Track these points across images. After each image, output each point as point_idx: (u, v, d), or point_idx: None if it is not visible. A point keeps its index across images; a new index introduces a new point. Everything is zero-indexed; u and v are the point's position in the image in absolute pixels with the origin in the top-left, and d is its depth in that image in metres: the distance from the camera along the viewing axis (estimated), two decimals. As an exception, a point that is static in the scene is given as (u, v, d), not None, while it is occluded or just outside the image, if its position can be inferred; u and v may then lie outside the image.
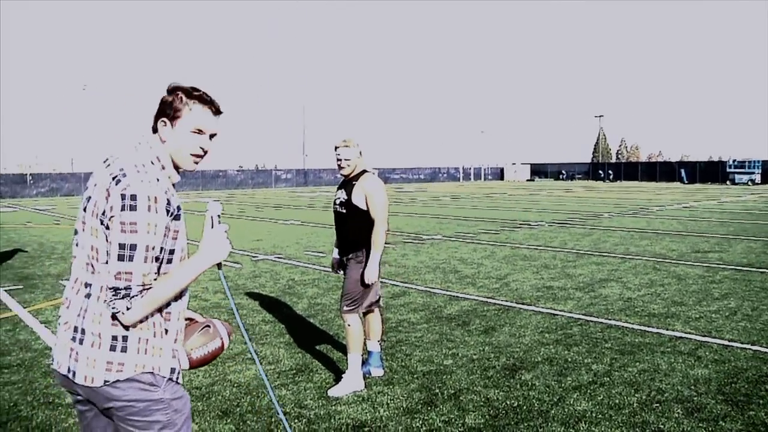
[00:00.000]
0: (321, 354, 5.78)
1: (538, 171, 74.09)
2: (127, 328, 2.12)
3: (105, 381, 2.10)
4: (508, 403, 4.53)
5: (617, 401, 4.53)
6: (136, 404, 2.13)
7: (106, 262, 2.10)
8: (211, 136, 2.31)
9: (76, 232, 2.25)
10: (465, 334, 6.34)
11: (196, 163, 2.29)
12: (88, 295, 2.16)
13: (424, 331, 6.49)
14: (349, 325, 4.90)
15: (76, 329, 2.16)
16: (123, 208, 2.04)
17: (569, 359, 5.47)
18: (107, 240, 2.10)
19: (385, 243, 5.01)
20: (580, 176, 70.46)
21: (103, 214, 2.10)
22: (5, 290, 9.21)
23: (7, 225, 20.36)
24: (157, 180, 2.14)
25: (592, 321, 6.76)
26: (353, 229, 4.95)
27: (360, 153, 4.94)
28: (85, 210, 2.18)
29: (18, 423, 4.38)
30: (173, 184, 2.27)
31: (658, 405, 4.45)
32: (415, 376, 5.13)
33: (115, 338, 2.12)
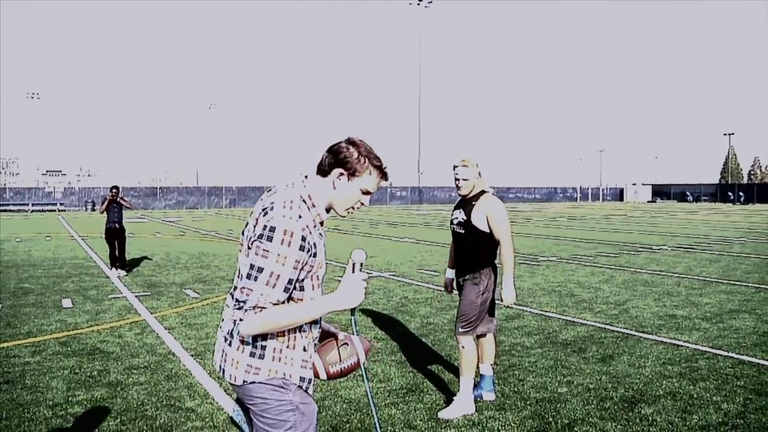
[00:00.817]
0: (432, 374, 5.72)
1: (660, 192, 70.56)
2: (264, 338, 2.35)
3: (244, 381, 2.37)
4: (627, 438, 4.28)
5: (752, 445, 4.16)
6: (268, 402, 2.37)
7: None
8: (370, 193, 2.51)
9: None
10: (581, 361, 6.07)
11: (350, 213, 2.51)
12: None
13: (538, 356, 6.28)
14: (463, 347, 4.82)
15: (228, 333, 2.43)
16: (262, 237, 2.25)
17: (695, 395, 5.09)
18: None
19: (499, 263, 4.90)
20: (706, 198, 66.44)
21: (250, 239, 2.34)
22: (135, 295, 9.83)
23: (140, 234, 21.81)
24: (300, 217, 2.29)
25: (721, 355, 6.28)
26: (471, 249, 4.86)
27: (479, 173, 4.88)
28: (243, 234, 2.46)
29: (144, 422, 4.62)
30: (321, 222, 2.44)
31: (799, 453, 4.04)
32: (527, 402, 4.96)
33: (255, 346, 2.36)
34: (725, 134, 79.18)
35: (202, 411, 4.84)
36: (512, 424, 4.52)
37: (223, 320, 2.50)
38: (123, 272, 12.13)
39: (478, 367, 5.05)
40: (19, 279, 11.64)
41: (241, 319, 2.22)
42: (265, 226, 2.24)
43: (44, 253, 16.16)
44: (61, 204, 47.74)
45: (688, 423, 4.52)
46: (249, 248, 2.32)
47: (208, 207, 53.24)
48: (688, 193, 67.64)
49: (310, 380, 2.47)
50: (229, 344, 2.40)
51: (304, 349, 2.44)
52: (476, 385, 5.05)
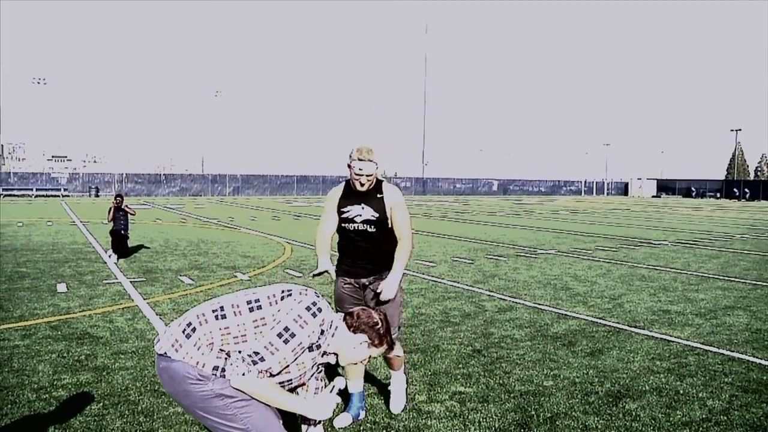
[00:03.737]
0: (418, 365, 5.70)
1: (665, 187, 70.28)
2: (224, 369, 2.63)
3: (165, 352, 2.67)
4: (608, 432, 4.26)
5: (734, 442, 4.13)
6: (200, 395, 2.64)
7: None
8: None
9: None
10: (570, 354, 6.05)
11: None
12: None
13: (527, 348, 6.25)
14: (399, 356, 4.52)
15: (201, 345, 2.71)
16: (309, 310, 2.73)
17: (681, 391, 5.06)
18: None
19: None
20: (711, 194, 66.14)
21: (286, 304, 2.76)
22: (130, 281, 9.84)
23: (140, 221, 21.84)
24: (323, 332, 2.75)
25: (711, 351, 6.24)
26: (384, 248, 4.37)
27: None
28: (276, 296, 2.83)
29: (126, 406, 4.62)
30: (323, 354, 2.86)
31: (781, 450, 4.01)
32: (512, 395, 4.94)
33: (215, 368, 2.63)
34: (732, 130, 78.80)
35: (185, 397, 4.83)
36: (494, 417, 4.50)
37: (203, 322, 2.72)
38: (116, 256, 12.17)
39: (353, 382, 4.48)
40: (16, 263, 11.66)
41: (244, 374, 2.51)
42: (315, 304, 2.71)
43: (44, 238, 16.20)
44: (65, 189, 47.87)
45: (671, 419, 4.49)
46: (273, 317, 2.65)
47: (211, 194, 53.26)
48: (693, 189, 67.38)
49: (223, 369, 2.65)
50: (188, 337, 2.66)
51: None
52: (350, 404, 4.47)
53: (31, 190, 46.34)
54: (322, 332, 2.69)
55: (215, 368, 2.61)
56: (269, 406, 2.71)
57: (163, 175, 52.80)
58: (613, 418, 4.48)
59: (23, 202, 37.84)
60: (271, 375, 2.58)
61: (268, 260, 12.54)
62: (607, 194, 71.48)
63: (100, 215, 23.69)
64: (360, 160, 4.22)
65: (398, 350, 4.49)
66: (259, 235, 18.12)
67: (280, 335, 2.54)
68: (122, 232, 12.65)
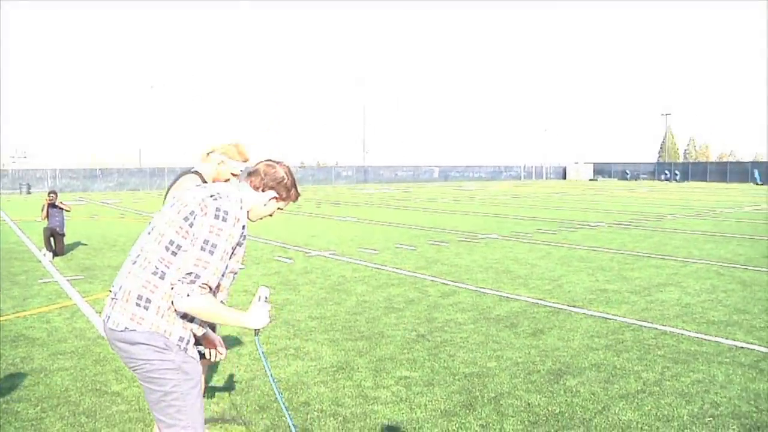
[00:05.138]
0: (363, 352, 5.75)
1: (602, 170, 72.32)
2: (151, 296, 2.59)
3: (126, 327, 2.57)
4: (549, 409, 4.39)
5: (666, 412, 4.33)
6: (151, 362, 2.58)
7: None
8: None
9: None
10: (512, 336, 6.20)
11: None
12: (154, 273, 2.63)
13: (470, 331, 6.38)
14: None
15: (133, 295, 2.63)
16: (217, 217, 2.60)
17: (618, 366, 5.27)
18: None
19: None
20: (645, 176, 68.41)
21: (187, 214, 2.66)
22: (67, 279, 9.55)
23: (76, 217, 21.15)
24: (241, 209, 2.72)
25: (645, 326, 6.50)
26: None
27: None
28: (170, 207, 2.75)
29: (67, 407, 4.51)
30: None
31: (711, 419, 4.22)
32: (456, 377, 5.04)
33: (141, 299, 2.59)
34: (663, 114, 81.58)
35: (128, 394, 4.76)
36: (439, 399, 4.58)
37: (121, 278, 2.67)
38: (50, 254, 11.79)
39: None
40: (-57, 265, 11.16)
41: (188, 294, 2.46)
42: (218, 209, 2.59)
43: (-28, 238, 15.52)
44: (-7, 187, 45.89)
45: (609, 392, 4.67)
46: (186, 221, 2.58)
47: (150, 188, 52.03)
48: (627, 171, 69.51)
49: (188, 341, 2.66)
50: (126, 300, 2.60)
51: (184, 316, 2.64)
52: None
53: (-43, 188, 44.27)
54: (243, 227, 2.68)
55: (180, 338, 2.62)
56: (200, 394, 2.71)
57: (99, 170, 51.22)
58: (555, 395, 4.63)
59: (-51, 202, 36.14)
60: (210, 289, 2.56)
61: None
62: (547, 179, 73.07)
63: (33, 213, 22.83)
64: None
65: None
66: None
67: (203, 249, 2.53)
68: (57, 229, 12.24)
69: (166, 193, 4.16)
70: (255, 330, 2.74)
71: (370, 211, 23.89)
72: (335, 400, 4.59)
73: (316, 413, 4.37)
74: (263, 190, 2.83)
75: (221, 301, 2.74)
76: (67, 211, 12.88)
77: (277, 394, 2.84)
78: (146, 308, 2.57)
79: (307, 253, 12.15)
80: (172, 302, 2.55)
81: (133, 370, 2.65)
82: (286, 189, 2.89)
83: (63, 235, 12.40)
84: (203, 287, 2.50)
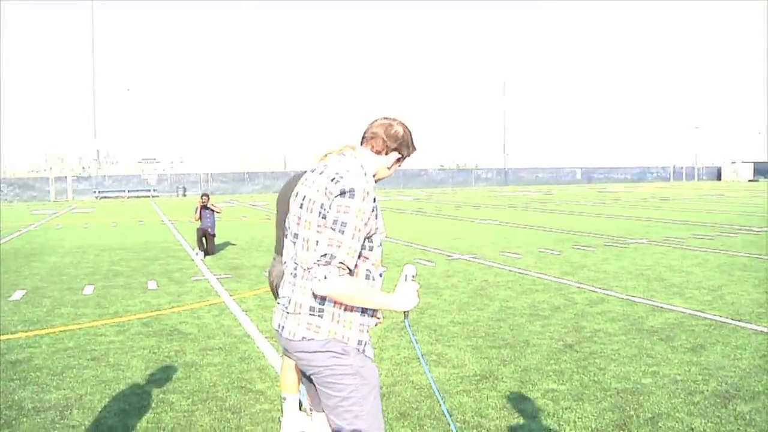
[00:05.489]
0: (508, 361, 5.50)
1: (764, 171, 66.35)
2: (323, 301, 2.52)
3: (303, 337, 2.52)
4: (718, 435, 3.94)
5: None
6: (330, 368, 2.54)
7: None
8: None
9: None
10: (668, 350, 5.69)
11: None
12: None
13: (621, 343, 5.94)
14: None
15: (295, 303, 2.60)
16: (344, 195, 2.48)
17: (799, 390, 4.65)
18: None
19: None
20: (816, 177, 61.95)
21: (320, 207, 2.56)
22: (216, 278, 10.05)
23: (226, 219, 22.43)
24: (368, 181, 2.58)
25: (830, 346, 5.74)
26: None
27: None
28: (299, 204, 2.67)
29: (214, 402, 4.66)
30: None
31: None
32: (608, 393, 4.67)
33: (313, 309, 2.54)
34: (837, 107, 73.38)
35: (272, 394, 4.84)
36: (590, 416, 4.26)
37: (288, 290, 2.62)
38: (202, 254, 12.48)
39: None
40: (111, 262, 12.17)
41: (325, 277, 2.35)
42: (344, 189, 2.46)
43: (136, 238, 16.87)
44: (154, 190, 49.90)
45: (789, 420, 4.13)
46: (320, 215, 2.50)
47: (293, 191, 54.21)
48: (794, 172, 63.29)
49: (366, 343, 2.59)
50: (298, 313, 2.55)
51: (362, 313, 2.56)
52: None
53: (124, 191, 48.58)
54: (372, 197, 2.52)
55: (359, 342, 2.57)
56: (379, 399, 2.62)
57: (247, 173, 54.17)
58: (723, 422, 4.15)
59: (117, 204, 39.72)
60: (350, 270, 2.45)
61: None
62: (699, 180, 68.25)
63: (187, 214, 24.50)
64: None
65: None
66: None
67: (333, 228, 2.43)
68: (209, 230, 12.96)
69: (279, 197, 4.18)
70: (404, 312, 2.62)
71: (512, 213, 23.37)
72: (478, 411, 4.40)
73: (459, 424, 4.20)
74: (386, 153, 2.72)
75: (379, 275, 2.63)
76: (218, 212, 13.62)
77: (431, 379, 2.67)
78: (321, 316, 2.53)
79: (448, 256, 12.02)
80: (312, 287, 2.45)
81: (312, 376, 2.62)
82: (407, 146, 2.77)
83: (214, 235, 13.11)
84: (341, 267, 2.39)
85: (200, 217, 13.17)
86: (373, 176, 2.71)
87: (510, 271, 10.18)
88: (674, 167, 68.71)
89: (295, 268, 2.62)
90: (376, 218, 2.57)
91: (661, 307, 7.36)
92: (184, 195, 49.58)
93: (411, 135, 2.78)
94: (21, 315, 7.68)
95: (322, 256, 2.39)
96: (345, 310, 2.53)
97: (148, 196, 48.75)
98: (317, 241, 2.50)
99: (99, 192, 47.70)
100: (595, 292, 8.33)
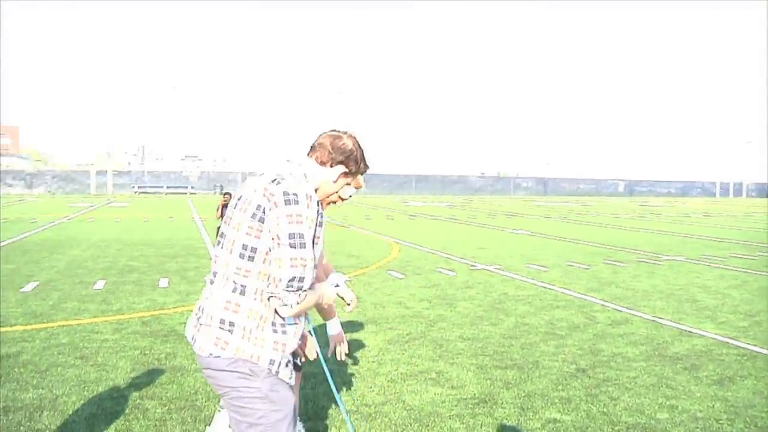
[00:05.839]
0: (512, 384, 5.09)
1: (816, 190, 63.88)
2: (234, 317, 2.33)
3: (210, 353, 2.32)
4: (737, 485, 3.48)
5: None
6: (238, 389, 2.33)
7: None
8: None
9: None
10: (691, 381, 5.20)
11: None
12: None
13: (639, 370, 5.46)
14: None
15: (217, 320, 2.38)
16: (288, 203, 2.31)
17: (836, 436, 4.14)
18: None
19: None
20: None
21: (255, 209, 2.38)
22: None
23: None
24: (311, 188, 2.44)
25: None
26: None
27: None
28: (233, 206, 2.53)
29: (190, 412, 4.40)
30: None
31: None
32: (616, 427, 4.22)
33: (223, 322, 2.33)
34: None
35: (252, 406, 4.53)
36: (593, 453, 3.83)
37: (202, 299, 2.44)
38: None
39: None
40: (130, 257, 12.08)
41: (298, 303, 2.23)
42: (286, 192, 2.28)
43: (162, 234, 16.86)
44: (192, 187, 50.48)
45: (820, 471, 3.63)
46: (254, 217, 2.30)
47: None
48: None
49: (280, 363, 2.35)
50: (209, 325, 2.35)
51: (275, 331, 2.35)
52: None
53: (162, 187, 49.23)
54: (318, 203, 2.36)
55: (271, 362, 2.34)
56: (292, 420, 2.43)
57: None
58: (744, 467, 3.68)
59: (154, 199, 40.21)
60: (311, 286, 2.32)
61: (373, 260, 12.24)
62: (747, 196, 66.03)
63: (219, 212, 24.52)
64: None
65: None
66: (369, 234, 17.93)
67: (292, 245, 2.24)
68: None
69: None
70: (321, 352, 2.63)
71: (546, 224, 22.76)
72: (466, 439, 4.01)
73: (443, 453, 3.83)
74: (331, 165, 2.53)
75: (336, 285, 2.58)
76: None
77: (337, 396, 2.35)
78: (230, 331, 2.33)
79: (472, 266, 11.59)
80: (276, 311, 2.30)
81: (222, 397, 2.43)
82: (356, 161, 2.57)
83: None
84: (306, 292, 2.28)
85: (221, 216, 13.03)
86: (316, 190, 2.53)
87: (533, 284, 9.71)
88: (720, 182, 66.70)
89: (215, 274, 2.42)
90: (320, 227, 2.40)
91: (690, 332, 6.83)
92: (221, 193, 50.05)
93: (361, 150, 2.62)
94: (26, 308, 7.55)
95: (290, 281, 2.23)
96: (257, 327, 2.33)
97: (185, 193, 49.30)
98: (251, 250, 2.32)
99: (138, 187, 48.43)
100: (620, 311, 7.82)
